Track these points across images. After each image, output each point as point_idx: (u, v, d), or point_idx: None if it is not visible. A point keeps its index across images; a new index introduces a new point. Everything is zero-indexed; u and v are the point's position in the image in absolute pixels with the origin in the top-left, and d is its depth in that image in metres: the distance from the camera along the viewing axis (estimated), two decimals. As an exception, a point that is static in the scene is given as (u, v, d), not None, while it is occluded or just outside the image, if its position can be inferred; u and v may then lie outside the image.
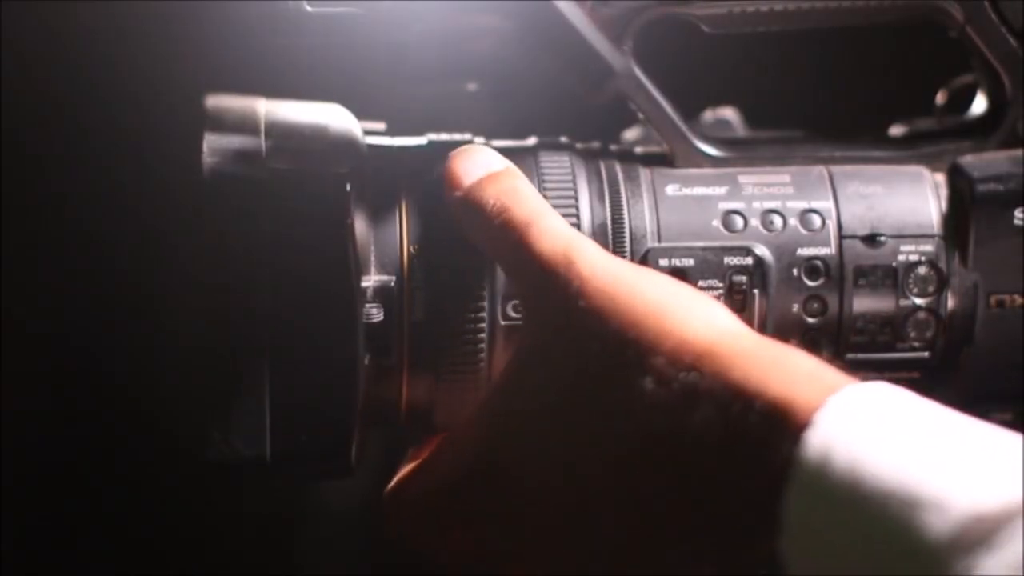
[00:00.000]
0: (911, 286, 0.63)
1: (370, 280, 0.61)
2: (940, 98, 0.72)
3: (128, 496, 0.82)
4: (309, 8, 0.61)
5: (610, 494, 0.54)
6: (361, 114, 0.63)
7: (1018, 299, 0.63)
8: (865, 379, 0.62)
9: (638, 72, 0.64)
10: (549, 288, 0.57)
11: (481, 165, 0.60)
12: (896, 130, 0.71)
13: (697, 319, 0.55)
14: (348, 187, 0.58)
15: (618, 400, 0.54)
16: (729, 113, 0.73)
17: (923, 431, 0.48)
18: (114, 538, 0.83)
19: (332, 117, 0.62)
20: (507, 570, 0.58)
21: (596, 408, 0.55)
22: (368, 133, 0.64)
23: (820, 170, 0.64)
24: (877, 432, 0.48)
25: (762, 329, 0.62)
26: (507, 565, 0.58)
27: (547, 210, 0.59)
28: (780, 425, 0.49)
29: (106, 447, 0.81)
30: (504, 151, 0.65)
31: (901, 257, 0.63)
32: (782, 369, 0.51)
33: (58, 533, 0.82)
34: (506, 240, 0.58)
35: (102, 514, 0.82)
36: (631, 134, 0.71)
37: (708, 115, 0.73)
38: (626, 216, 0.63)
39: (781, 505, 0.48)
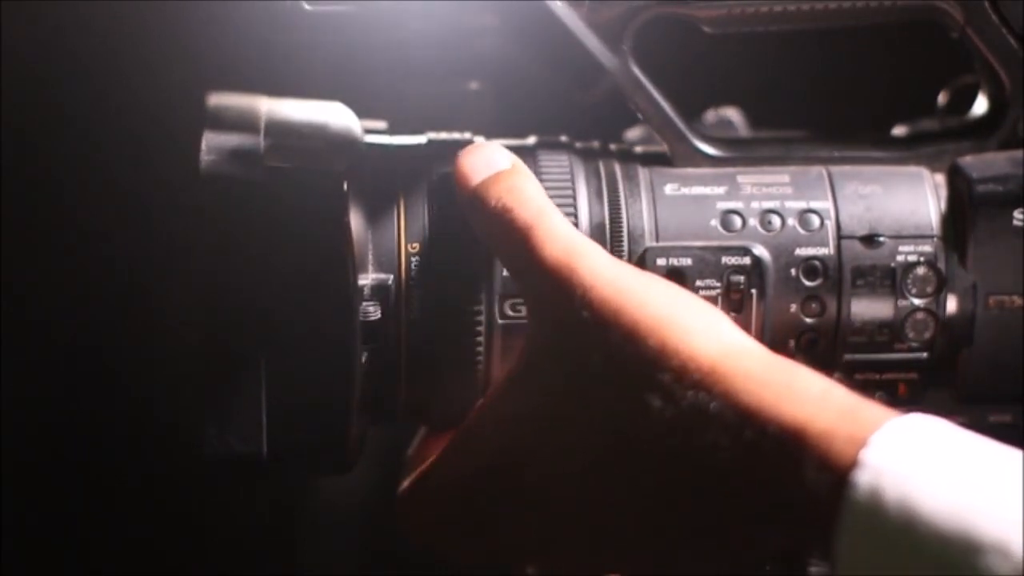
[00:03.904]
0: (910, 287, 0.62)
1: (367, 278, 0.61)
2: (941, 98, 0.72)
3: (125, 493, 0.82)
4: (308, 7, 0.61)
5: (620, 504, 0.54)
6: (362, 113, 0.63)
7: (1017, 300, 0.63)
8: (865, 379, 0.63)
9: (636, 71, 0.64)
10: (552, 296, 0.57)
11: (488, 163, 0.60)
12: (899, 131, 0.71)
13: (702, 333, 0.54)
14: (345, 185, 0.58)
15: (624, 415, 0.54)
16: (732, 113, 0.73)
17: (973, 468, 0.47)
18: (111, 535, 0.83)
19: (332, 115, 0.62)
20: (519, 568, 0.59)
21: (603, 422, 0.55)
22: (369, 132, 0.64)
23: (819, 170, 0.64)
24: (926, 471, 0.47)
25: (760, 329, 0.62)
26: (519, 563, 0.59)
27: (550, 211, 0.59)
28: (798, 454, 0.49)
29: (103, 444, 0.82)
30: (504, 150, 0.65)
31: (900, 258, 0.62)
32: (792, 391, 0.51)
33: (55, 530, 0.83)
34: (509, 243, 0.58)
35: (98, 511, 0.83)
36: (633, 134, 0.71)
37: (711, 115, 0.73)
38: (624, 215, 0.62)
39: (830, 542, 0.48)
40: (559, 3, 0.61)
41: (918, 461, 0.47)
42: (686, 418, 0.52)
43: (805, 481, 0.49)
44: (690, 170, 0.64)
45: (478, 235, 0.60)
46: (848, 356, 0.63)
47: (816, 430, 0.49)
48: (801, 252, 0.62)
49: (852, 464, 0.48)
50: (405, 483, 0.61)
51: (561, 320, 0.56)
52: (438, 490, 0.60)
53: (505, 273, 0.61)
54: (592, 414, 0.55)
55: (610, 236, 0.62)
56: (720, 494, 0.51)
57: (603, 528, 0.55)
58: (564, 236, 0.58)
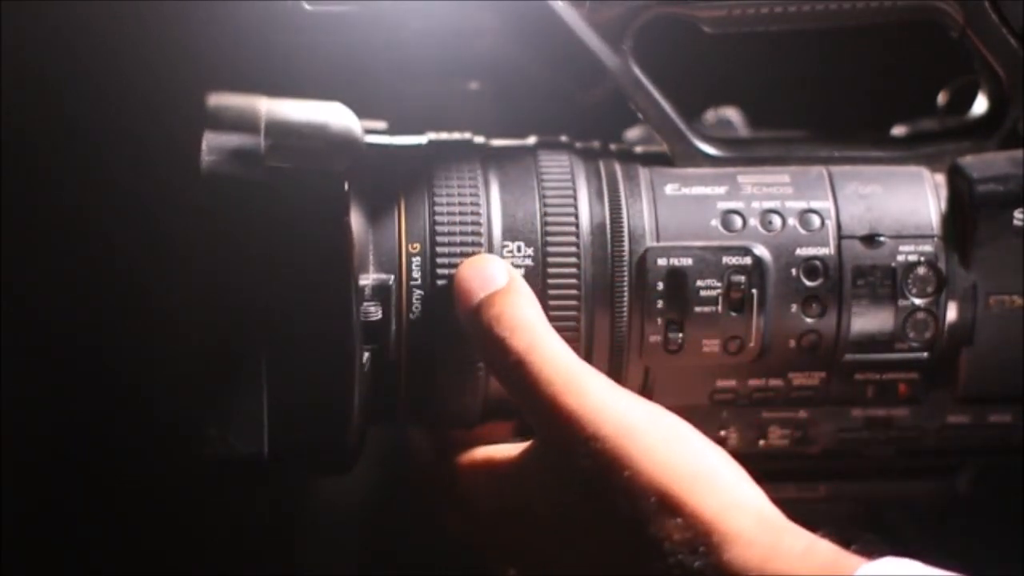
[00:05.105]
0: (910, 287, 0.63)
1: (368, 279, 0.61)
2: (941, 98, 0.72)
3: (126, 494, 0.82)
4: (308, 7, 0.61)
5: None
6: (362, 113, 0.63)
7: (1017, 300, 0.63)
8: (865, 379, 0.63)
9: (637, 71, 0.64)
10: (554, 434, 0.57)
11: (484, 280, 0.60)
12: (898, 130, 0.71)
13: (700, 492, 0.55)
14: (346, 186, 0.58)
15: (614, 558, 0.55)
16: (731, 113, 0.73)
17: None
18: (111, 536, 0.83)
19: (332, 115, 0.62)
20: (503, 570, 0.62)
21: (593, 555, 0.56)
22: (368, 132, 0.64)
23: (819, 170, 0.64)
24: None
25: (760, 330, 0.62)
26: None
27: (543, 338, 0.59)
28: None
29: (103, 444, 0.82)
30: (504, 150, 0.65)
31: (900, 257, 0.63)
32: (777, 550, 0.53)
33: (55, 530, 0.82)
34: (506, 373, 0.59)
35: (99, 512, 0.83)
36: (633, 134, 0.71)
37: (710, 115, 0.73)
38: (624, 215, 0.63)
39: None
40: (561, 3, 0.61)
41: None
42: (670, 573, 0.53)
43: None
44: (690, 170, 0.64)
45: (479, 357, 0.61)
46: (849, 356, 0.63)
47: None
48: (802, 252, 0.62)
49: None
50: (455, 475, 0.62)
51: (562, 461, 0.57)
52: (463, 501, 0.62)
53: (504, 255, 0.62)
54: (585, 543, 0.56)
55: (611, 236, 0.62)
56: None
57: None
58: (560, 368, 0.58)
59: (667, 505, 0.54)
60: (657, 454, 0.55)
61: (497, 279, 0.60)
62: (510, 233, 0.62)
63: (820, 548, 0.53)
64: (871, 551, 0.53)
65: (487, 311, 0.59)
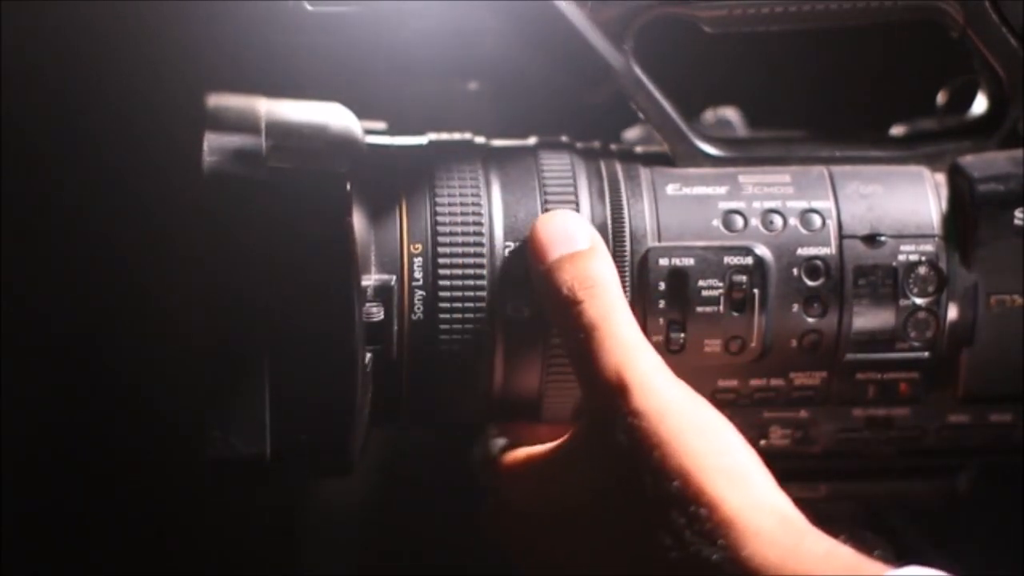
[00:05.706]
0: (911, 286, 0.63)
1: (371, 279, 0.61)
2: (940, 98, 0.72)
3: (128, 494, 0.82)
4: (310, 7, 0.61)
5: None
6: (362, 113, 0.63)
7: (1018, 300, 0.63)
8: (866, 379, 0.63)
9: (638, 71, 0.64)
10: (599, 405, 0.57)
11: (565, 238, 0.60)
12: (897, 130, 0.71)
13: (727, 485, 0.55)
14: (348, 186, 0.58)
15: (635, 542, 0.55)
16: (730, 113, 0.73)
17: None
18: (113, 536, 0.83)
19: (332, 116, 0.62)
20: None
21: (615, 539, 0.56)
22: (368, 132, 0.64)
23: (820, 170, 0.64)
24: None
25: (762, 329, 0.62)
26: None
27: (618, 310, 0.59)
28: None
29: (105, 445, 0.82)
30: (505, 150, 0.65)
31: (901, 257, 0.63)
32: (798, 552, 0.53)
33: (57, 532, 0.82)
34: (573, 337, 0.59)
35: (101, 512, 0.83)
36: (632, 134, 0.71)
37: (709, 115, 0.73)
38: (626, 215, 0.63)
39: None
40: (565, 2, 0.61)
41: None
42: (689, 563, 0.53)
43: None
44: (692, 170, 0.64)
45: (545, 311, 0.61)
46: (850, 356, 0.63)
47: None
48: (803, 252, 0.62)
49: None
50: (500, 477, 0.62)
51: (601, 433, 0.57)
52: (505, 502, 0.62)
53: (506, 255, 0.61)
54: (607, 526, 0.56)
55: (612, 236, 0.62)
56: None
57: None
58: (624, 343, 0.58)
59: (689, 492, 0.54)
60: (689, 440, 0.55)
61: (579, 239, 0.60)
62: (512, 233, 0.62)
63: (841, 552, 0.53)
64: (893, 559, 0.52)
65: (569, 269, 0.60)
